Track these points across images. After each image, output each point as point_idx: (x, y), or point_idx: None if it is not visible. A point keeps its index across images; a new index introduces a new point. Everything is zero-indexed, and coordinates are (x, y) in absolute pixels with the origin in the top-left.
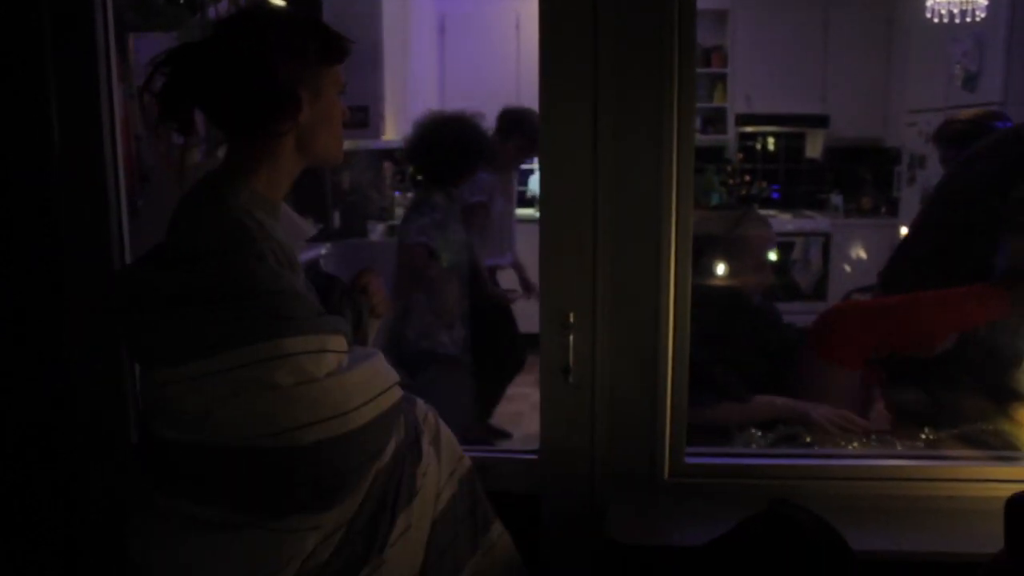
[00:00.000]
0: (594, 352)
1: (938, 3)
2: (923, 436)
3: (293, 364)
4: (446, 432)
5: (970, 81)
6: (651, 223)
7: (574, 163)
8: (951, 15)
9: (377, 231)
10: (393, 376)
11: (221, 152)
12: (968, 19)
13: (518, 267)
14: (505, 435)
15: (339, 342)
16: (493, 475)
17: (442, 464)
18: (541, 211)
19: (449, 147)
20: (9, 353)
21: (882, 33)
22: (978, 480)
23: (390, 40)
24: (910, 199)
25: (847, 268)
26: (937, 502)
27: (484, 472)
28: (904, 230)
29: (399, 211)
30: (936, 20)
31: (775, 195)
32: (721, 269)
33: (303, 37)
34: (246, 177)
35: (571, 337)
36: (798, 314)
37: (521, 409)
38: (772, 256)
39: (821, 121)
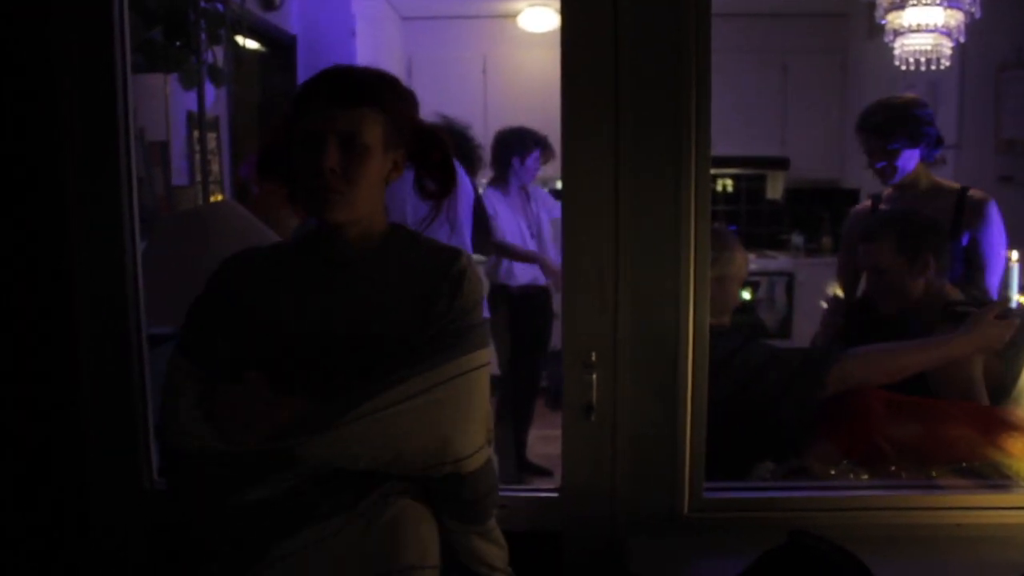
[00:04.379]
0: (615, 390)
1: (905, 52)
2: (932, 474)
3: None
4: None
5: None
6: (670, 261)
7: (596, 204)
8: (918, 63)
9: None
10: None
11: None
12: (933, 67)
13: None
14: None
15: None
16: (514, 514)
17: None
18: (564, 251)
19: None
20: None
21: (838, 78)
22: (983, 508)
23: None
24: None
25: (823, 304)
26: (946, 530)
27: (504, 511)
28: None
29: None
30: (904, 68)
31: None
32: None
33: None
34: None
35: (594, 376)
36: None
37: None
38: (746, 295)
39: (781, 163)
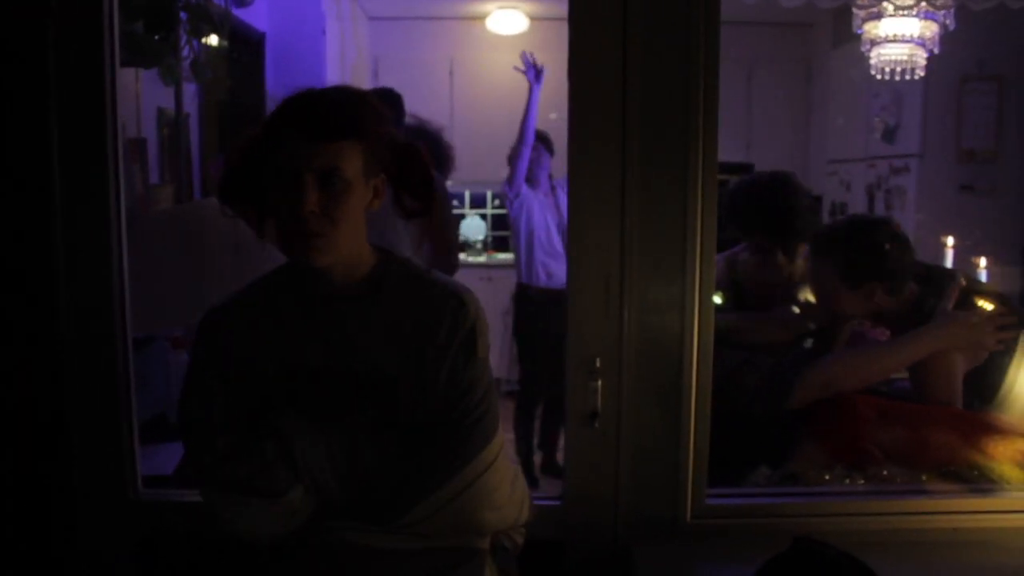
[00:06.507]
0: (620, 397)
1: (882, 61)
2: (923, 478)
3: None
4: None
5: (889, 134)
6: (675, 269)
7: (602, 211)
8: (893, 73)
9: None
10: None
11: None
12: (908, 77)
13: None
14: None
15: None
16: None
17: None
18: (569, 257)
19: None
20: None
21: (802, 86)
22: (978, 512)
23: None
24: None
25: (795, 309)
26: (943, 534)
27: None
28: None
29: None
30: (879, 77)
31: None
32: None
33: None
34: None
35: (598, 382)
36: None
37: None
38: (717, 299)
39: (745, 169)
